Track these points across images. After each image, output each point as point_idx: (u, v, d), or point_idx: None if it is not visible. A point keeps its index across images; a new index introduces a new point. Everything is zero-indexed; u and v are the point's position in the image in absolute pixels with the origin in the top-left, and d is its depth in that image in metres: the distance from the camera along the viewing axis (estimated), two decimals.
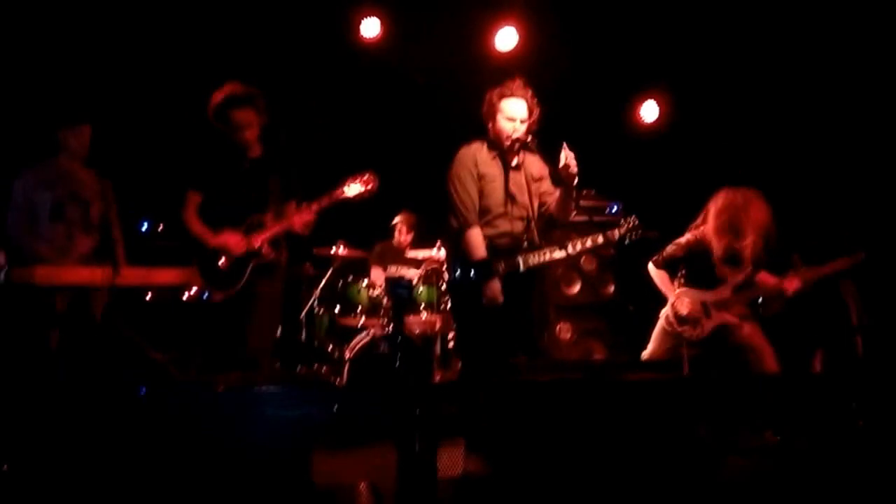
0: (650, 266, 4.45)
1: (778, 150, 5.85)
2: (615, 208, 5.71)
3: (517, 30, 6.32)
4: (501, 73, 3.93)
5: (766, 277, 4.36)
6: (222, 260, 3.88)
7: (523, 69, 4.02)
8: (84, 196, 4.20)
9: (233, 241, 3.88)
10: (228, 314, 3.89)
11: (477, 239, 3.61)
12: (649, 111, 6.69)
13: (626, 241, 3.70)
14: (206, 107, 3.92)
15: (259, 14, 5.76)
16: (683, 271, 4.43)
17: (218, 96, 3.89)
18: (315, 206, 3.92)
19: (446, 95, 6.15)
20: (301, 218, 3.90)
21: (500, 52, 6.35)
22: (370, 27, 6.19)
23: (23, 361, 3.99)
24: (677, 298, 4.29)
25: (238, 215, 3.93)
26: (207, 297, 3.90)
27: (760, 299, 4.34)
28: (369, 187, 3.91)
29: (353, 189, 3.90)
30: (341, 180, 3.93)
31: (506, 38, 6.32)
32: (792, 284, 4.24)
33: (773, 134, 5.94)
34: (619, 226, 3.73)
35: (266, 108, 3.95)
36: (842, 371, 4.79)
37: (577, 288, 5.80)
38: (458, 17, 6.08)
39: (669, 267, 4.42)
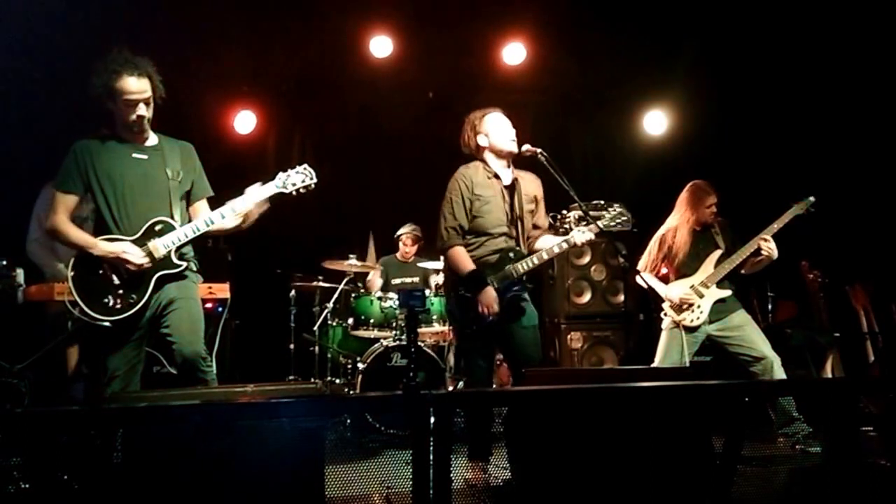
0: (637, 278, 4.51)
1: (781, 158, 5.88)
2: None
3: (524, 45, 6.41)
4: (509, 87, 3.98)
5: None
6: (120, 274, 3.17)
7: (530, 83, 4.07)
8: None
9: (132, 250, 3.16)
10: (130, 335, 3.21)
11: (461, 255, 3.67)
12: (656, 123, 6.77)
13: (614, 230, 3.68)
14: (88, 80, 3.14)
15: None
16: (671, 269, 4.54)
17: (106, 62, 3.12)
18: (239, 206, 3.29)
19: (455, 110, 6.21)
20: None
21: (507, 68, 6.39)
22: (380, 46, 6.35)
23: (41, 379, 4.05)
24: (668, 291, 4.39)
25: (127, 219, 3.23)
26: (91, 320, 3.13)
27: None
28: (312, 180, 3.39)
29: (291, 180, 3.36)
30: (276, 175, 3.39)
31: (514, 54, 6.39)
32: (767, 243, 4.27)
33: (776, 142, 5.97)
34: (600, 217, 3.75)
35: (160, 84, 3.22)
36: (853, 375, 4.78)
37: (587, 297, 5.85)
38: (466, 33, 6.14)
39: (654, 271, 4.55)
